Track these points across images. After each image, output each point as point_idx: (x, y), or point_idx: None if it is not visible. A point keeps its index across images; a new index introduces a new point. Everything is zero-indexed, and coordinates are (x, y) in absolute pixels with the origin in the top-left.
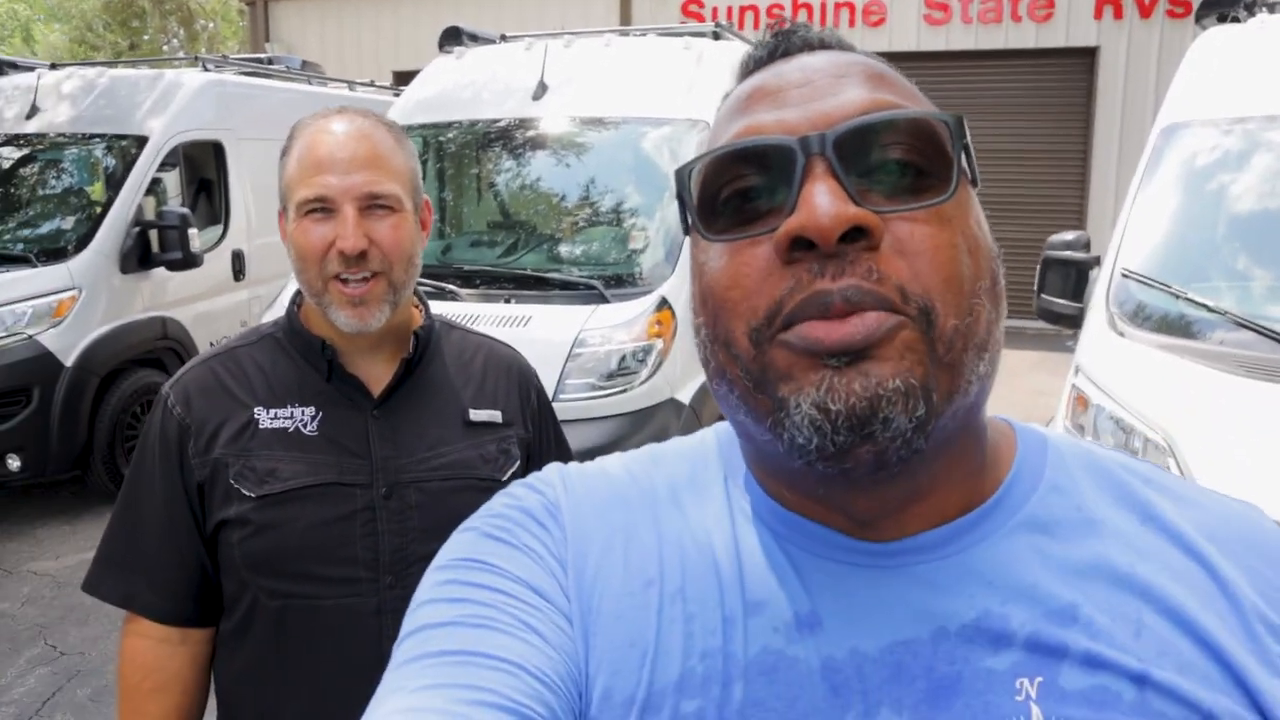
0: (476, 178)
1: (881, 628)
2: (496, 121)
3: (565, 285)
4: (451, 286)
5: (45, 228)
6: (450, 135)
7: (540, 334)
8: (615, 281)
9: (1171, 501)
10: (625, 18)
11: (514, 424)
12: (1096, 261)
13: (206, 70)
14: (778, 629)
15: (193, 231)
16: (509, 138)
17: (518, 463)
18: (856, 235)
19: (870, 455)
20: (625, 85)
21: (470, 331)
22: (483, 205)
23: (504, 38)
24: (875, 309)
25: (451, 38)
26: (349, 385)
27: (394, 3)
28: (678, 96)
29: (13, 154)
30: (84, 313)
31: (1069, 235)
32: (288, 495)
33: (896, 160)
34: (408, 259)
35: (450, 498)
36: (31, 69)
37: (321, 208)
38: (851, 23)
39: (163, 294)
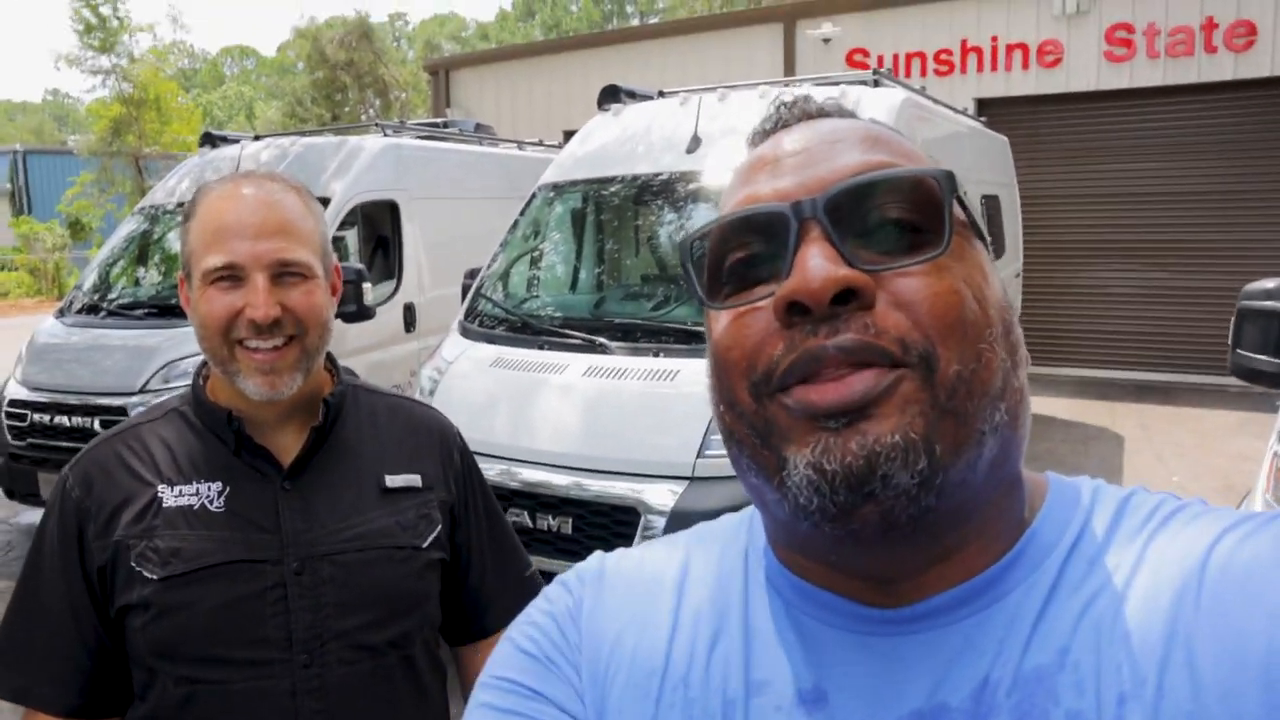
0: (633, 231)
1: (890, 702)
2: (652, 176)
3: None
4: (602, 339)
5: None
6: (607, 190)
7: (688, 388)
8: None
9: (1180, 534)
10: (789, 67)
11: (434, 487)
12: None
13: (385, 135)
14: (780, 707)
15: (367, 286)
16: (664, 191)
17: (439, 527)
18: (849, 296)
19: (875, 515)
20: None
21: (387, 394)
22: (638, 259)
23: (661, 94)
24: (873, 363)
25: (610, 96)
26: (257, 457)
27: (565, 66)
28: None
29: None
30: None
31: (1269, 283)
32: (192, 576)
33: (890, 218)
34: (322, 325)
35: (366, 569)
36: (236, 141)
37: (229, 275)
38: (1025, 64)
39: (341, 344)
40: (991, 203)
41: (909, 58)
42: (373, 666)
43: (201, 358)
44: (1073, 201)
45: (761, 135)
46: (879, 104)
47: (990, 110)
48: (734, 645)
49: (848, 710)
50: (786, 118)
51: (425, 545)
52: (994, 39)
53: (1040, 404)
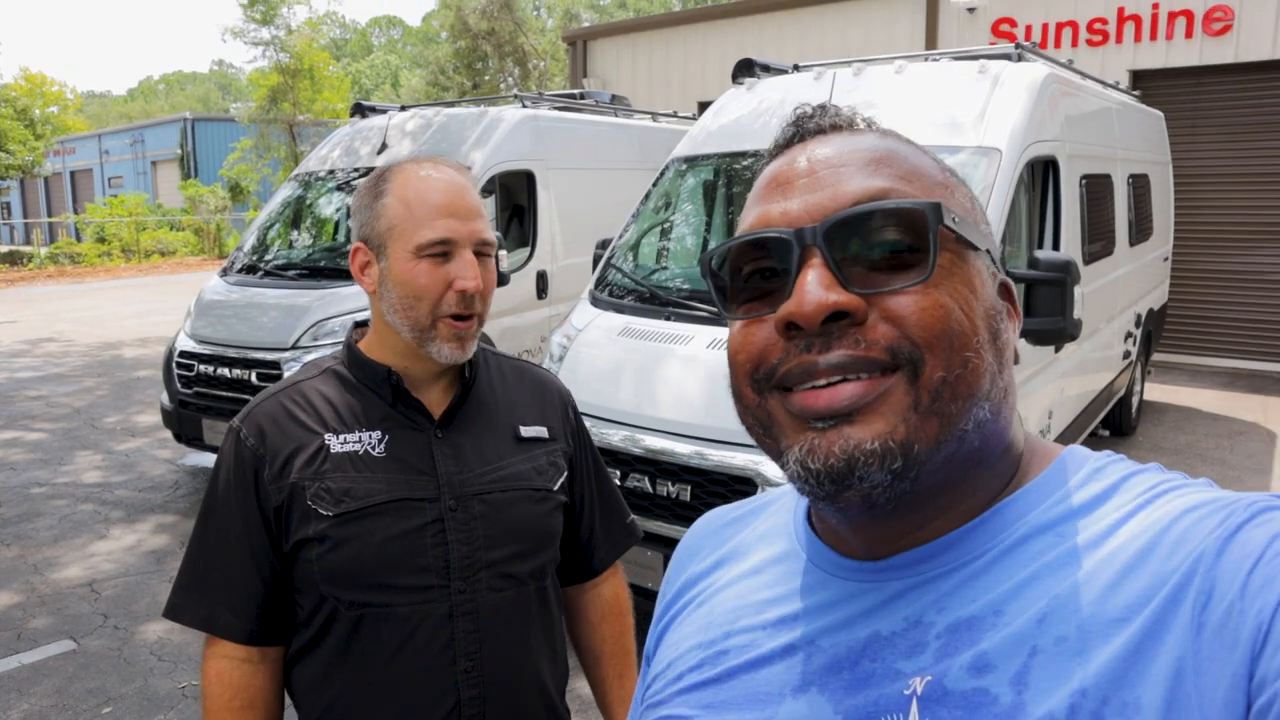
0: None
1: (837, 628)
2: None
3: None
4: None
5: None
6: (739, 165)
7: None
8: None
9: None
10: (931, 38)
11: (558, 439)
12: None
13: (524, 106)
14: (762, 626)
15: (503, 253)
16: None
17: (564, 474)
18: (842, 315)
19: (857, 498)
20: (914, 112)
21: (510, 357)
22: None
23: (796, 68)
24: (863, 373)
25: (744, 70)
26: (412, 409)
27: (701, 36)
28: (969, 123)
29: None
30: None
31: None
32: (363, 512)
33: (882, 242)
34: (490, 301)
35: (510, 507)
36: (385, 112)
37: (442, 251)
38: (1189, 33)
39: None
40: (1140, 182)
41: (1059, 27)
42: (516, 594)
43: (351, 320)
44: (1234, 181)
45: (779, 148)
46: (1020, 79)
47: (1146, 83)
48: (754, 577)
49: (807, 634)
50: (802, 133)
51: (555, 489)
52: (1155, 5)
53: (1186, 395)
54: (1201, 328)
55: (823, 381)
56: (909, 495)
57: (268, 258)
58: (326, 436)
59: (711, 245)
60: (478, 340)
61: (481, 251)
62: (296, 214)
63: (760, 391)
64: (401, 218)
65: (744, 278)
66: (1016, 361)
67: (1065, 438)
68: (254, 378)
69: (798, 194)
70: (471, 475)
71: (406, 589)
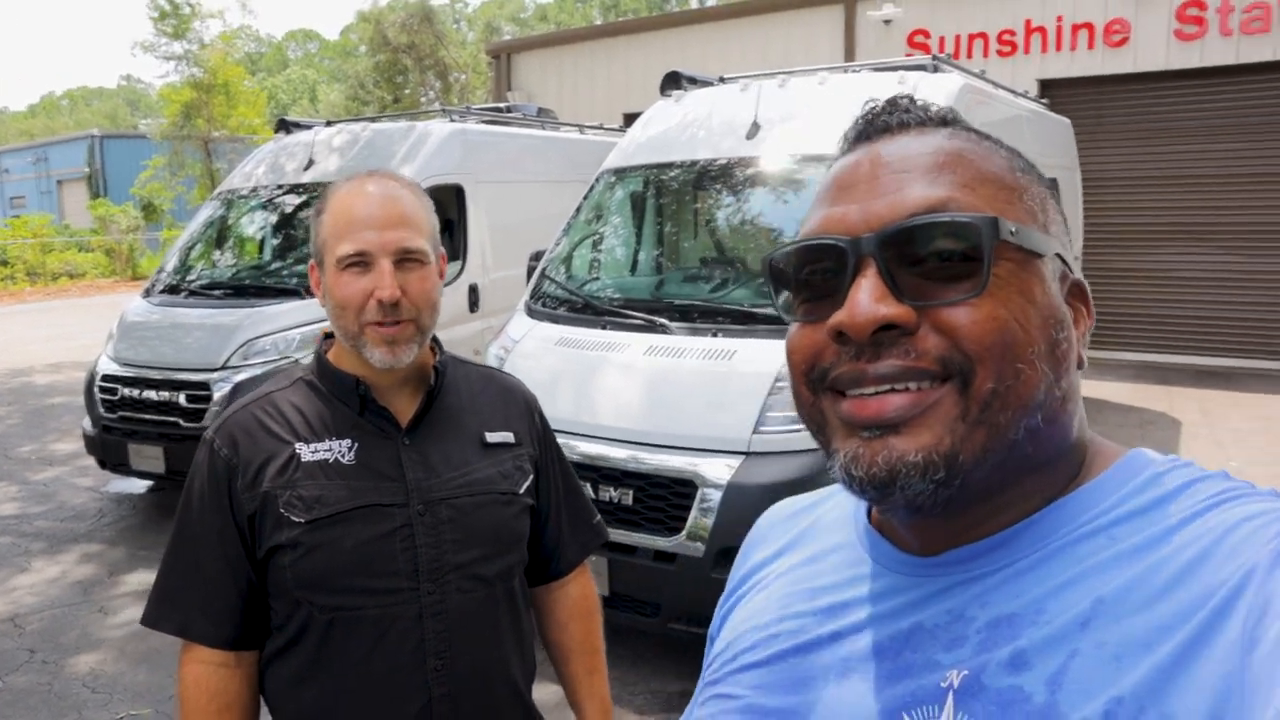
0: (692, 215)
1: (884, 619)
2: (712, 161)
3: (772, 320)
4: (663, 320)
5: None
6: (668, 175)
7: (745, 367)
8: None
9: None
10: (849, 50)
11: (524, 444)
12: None
13: (452, 120)
14: (813, 613)
15: None
16: (723, 176)
17: (530, 478)
18: (892, 326)
19: (901, 502)
20: (837, 122)
21: (474, 364)
22: (697, 242)
23: (722, 80)
24: (912, 383)
25: (672, 82)
26: (380, 417)
27: (625, 49)
28: None
29: (292, 201)
30: None
31: None
32: (334, 518)
33: (937, 252)
34: (432, 306)
35: (478, 511)
36: (310, 128)
37: (359, 261)
38: (1090, 44)
39: None
40: (1051, 185)
41: (971, 39)
42: (484, 595)
43: (282, 338)
44: (1136, 184)
45: (849, 143)
46: (937, 90)
47: (1054, 91)
48: (811, 564)
49: (855, 623)
50: (870, 131)
51: (521, 492)
52: (1059, 18)
53: (1098, 389)
54: (1111, 324)
55: (870, 390)
56: (957, 499)
57: (191, 277)
58: (297, 445)
59: (644, 258)
60: (418, 345)
61: (407, 259)
62: (221, 232)
63: (815, 391)
64: (329, 232)
65: (804, 276)
66: (1081, 365)
67: None
68: (182, 399)
69: (858, 199)
70: (439, 481)
71: (377, 592)
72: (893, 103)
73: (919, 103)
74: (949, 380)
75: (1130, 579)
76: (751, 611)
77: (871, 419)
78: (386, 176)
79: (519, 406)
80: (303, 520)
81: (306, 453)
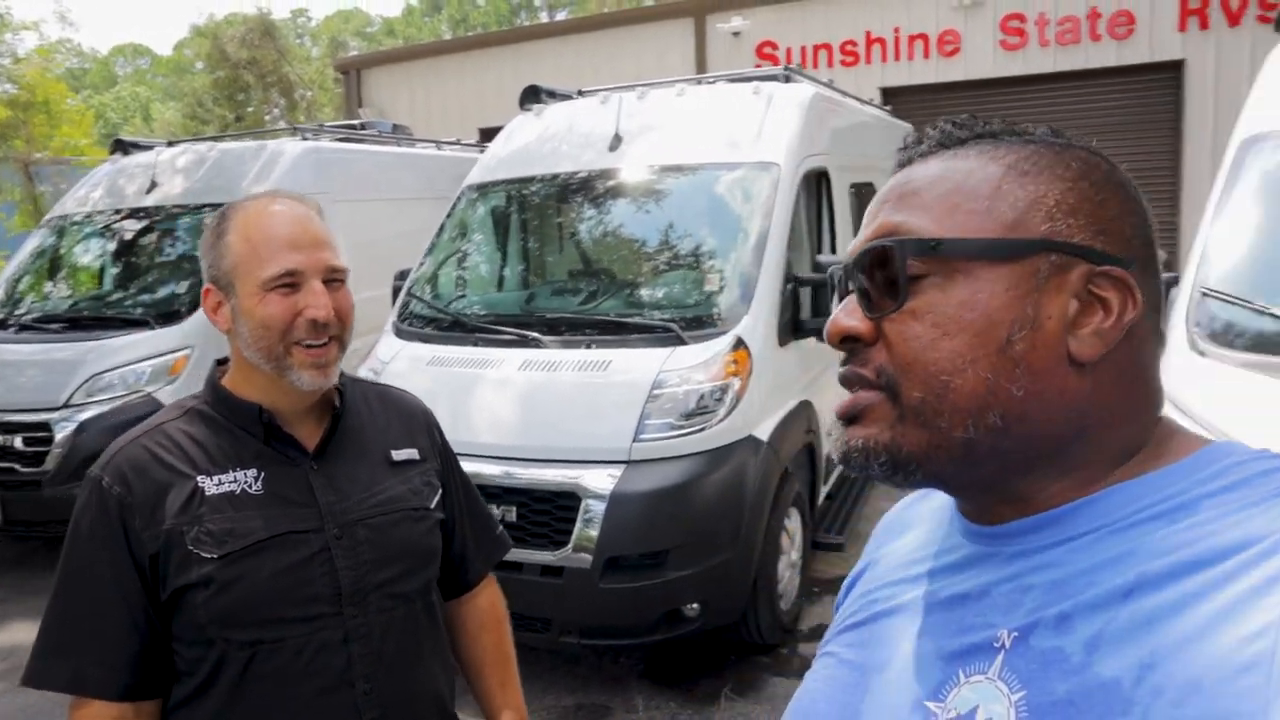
0: (558, 228)
1: (957, 584)
2: (574, 174)
3: (643, 329)
4: (535, 334)
5: (162, 293)
6: (531, 189)
7: (620, 377)
8: (692, 323)
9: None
10: (701, 62)
11: (429, 459)
12: (1175, 282)
13: (305, 139)
14: (903, 579)
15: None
16: (586, 189)
17: (438, 492)
18: (855, 337)
19: (877, 478)
20: (697, 132)
21: (373, 383)
22: (564, 255)
23: (581, 93)
24: (864, 387)
25: (531, 96)
26: (285, 444)
27: (478, 64)
28: (748, 141)
29: (134, 226)
30: (196, 370)
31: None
32: (247, 550)
33: (879, 275)
34: (351, 324)
35: (393, 529)
36: (151, 148)
37: (290, 282)
38: (926, 54)
39: None
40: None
41: (816, 49)
42: (405, 612)
43: (130, 372)
44: None
45: (896, 166)
46: (791, 98)
47: (895, 99)
48: (914, 539)
49: (933, 588)
50: (910, 158)
51: (432, 507)
52: (896, 30)
53: None
54: None
55: (847, 388)
56: (966, 481)
57: (20, 311)
58: (199, 479)
59: (513, 272)
60: (339, 364)
61: (332, 279)
62: (54, 261)
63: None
64: (245, 255)
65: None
66: (1104, 357)
67: None
68: (18, 443)
69: (865, 224)
70: (351, 503)
71: (298, 620)
72: (920, 131)
73: (963, 120)
74: (883, 389)
75: (1176, 560)
76: (865, 585)
77: (840, 412)
78: (289, 196)
79: (418, 422)
80: (215, 555)
81: (211, 485)
